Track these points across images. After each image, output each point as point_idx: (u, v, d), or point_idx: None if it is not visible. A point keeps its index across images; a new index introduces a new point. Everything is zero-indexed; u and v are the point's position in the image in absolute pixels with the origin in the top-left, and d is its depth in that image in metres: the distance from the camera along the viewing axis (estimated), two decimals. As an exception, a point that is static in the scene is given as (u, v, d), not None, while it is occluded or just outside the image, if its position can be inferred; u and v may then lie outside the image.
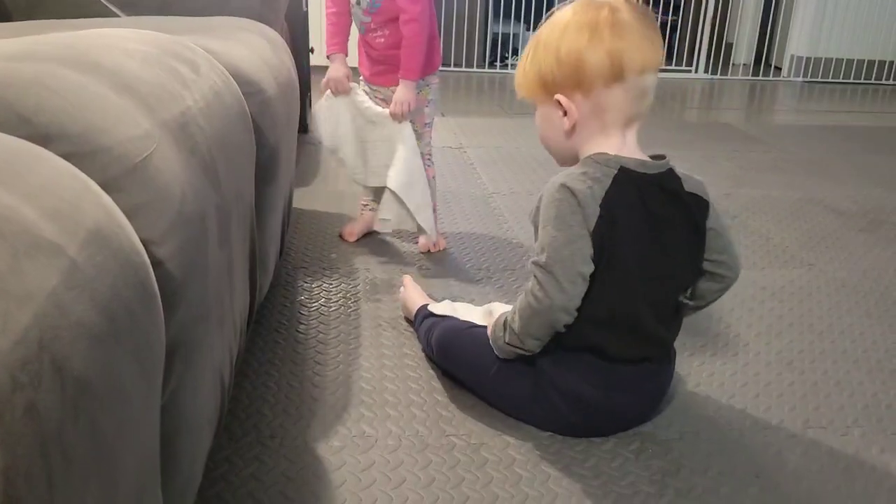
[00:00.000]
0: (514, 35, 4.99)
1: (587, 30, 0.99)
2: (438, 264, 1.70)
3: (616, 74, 0.98)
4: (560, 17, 1.03)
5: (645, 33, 0.99)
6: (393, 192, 1.63)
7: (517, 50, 4.98)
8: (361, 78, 1.76)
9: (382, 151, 1.69)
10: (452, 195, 2.18)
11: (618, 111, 1.01)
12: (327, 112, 1.73)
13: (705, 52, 5.02)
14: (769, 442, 1.08)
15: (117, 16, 1.57)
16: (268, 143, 1.21)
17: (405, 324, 1.39)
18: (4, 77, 0.63)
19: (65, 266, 0.43)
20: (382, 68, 1.70)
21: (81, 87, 0.67)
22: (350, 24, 1.71)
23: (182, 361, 0.69)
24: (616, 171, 1.00)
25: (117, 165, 0.62)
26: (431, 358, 1.24)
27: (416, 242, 1.79)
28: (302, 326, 1.37)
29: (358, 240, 1.81)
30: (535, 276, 1.00)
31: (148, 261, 0.56)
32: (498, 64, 4.92)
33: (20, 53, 0.71)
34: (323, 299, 1.49)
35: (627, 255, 1.00)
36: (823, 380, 1.26)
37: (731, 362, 1.31)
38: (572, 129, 1.04)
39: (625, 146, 1.03)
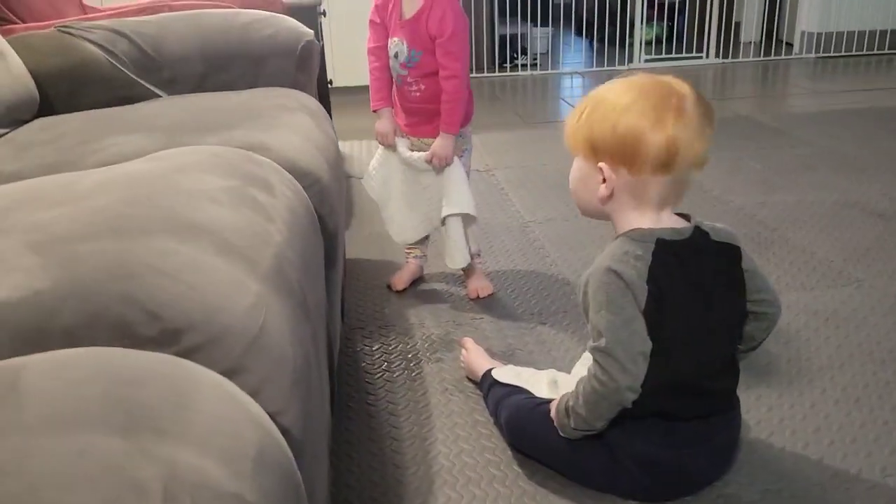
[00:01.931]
0: (521, 35, 4.97)
1: (652, 114, 1.00)
2: (490, 312, 1.71)
3: (667, 164, 1.01)
4: (626, 90, 1.03)
5: (704, 129, 1.01)
6: (448, 223, 1.70)
7: (525, 49, 4.97)
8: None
9: (434, 193, 1.72)
10: (489, 227, 2.19)
11: (656, 195, 1.04)
12: (378, 167, 1.77)
13: (715, 34, 4.99)
14: (852, 497, 1.10)
15: (159, 96, 1.59)
16: (328, 230, 1.23)
17: (471, 385, 1.41)
18: (120, 265, 0.65)
19: (248, 517, 0.45)
20: (417, 119, 1.71)
21: (192, 262, 0.69)
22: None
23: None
24: (654, 246, 1.02)
25: (240, 345, 0.64)
26: (503, 433, 1.26)
27: (465, 286, 1.81)
28: (371, 397, 1.40)
29: (405, 289, 1.83)
30: (596, 362, 1.03)
31: (291, 456, 0.59)
32: (508, 65, 4.91)
33: (122, 224, 0.73)
34: (385, 363, 1.51)
35: (680, 323, 1.04)
36: (893, 417, 1.27)
37: (798, 404, 1.32)
38: (608, 198, 1.06)
39: (659, 220, 1.06)
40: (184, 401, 0.50)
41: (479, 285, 1.79)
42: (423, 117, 1.69)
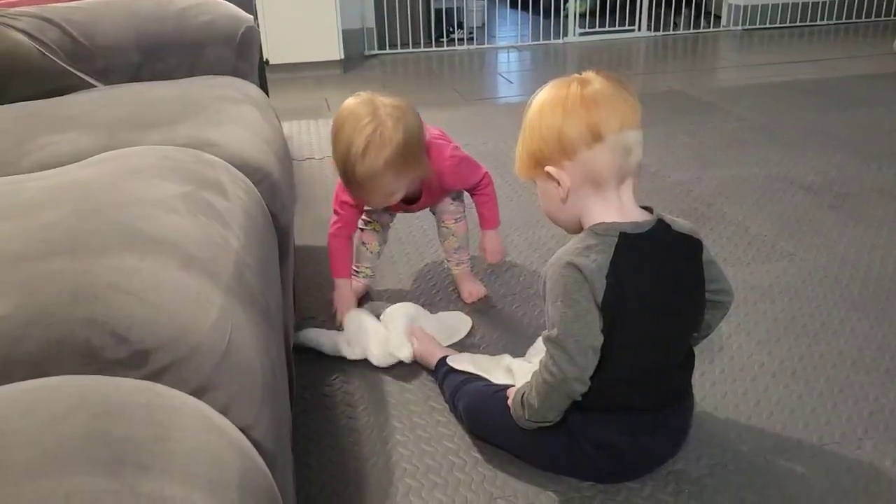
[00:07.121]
0: (457, 9, 4.95)
1: (560, 107, 1.04)
2: (439, 299, 1.73)
3: (596, 136, 1.03)
4: (538, 98, 1.09)
5: (618, 96, 1.04)
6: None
7: (462, 23, 4.95)
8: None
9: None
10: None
11: (608, 170, 1.05)
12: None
13: (647, 7, 5.06)
14: (792, 466, 1.16)
15: (94, 86, 1.54)
16: (280, 226, 1.22)
17: (425, 373, 1.43)
18: (81, 287, 0.64)
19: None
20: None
21: (156, 279, 0.68)
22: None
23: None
24: (617, 240, 1.04)
25: (209, 362, 0.64)
26: (460, 421, 1.28)
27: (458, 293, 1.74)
28: (327, 388, 1.40)
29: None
30: (547, 352, 1.05)
31: (268, 472, 0.59)
32: (444, 40, 4.88)
33: (78, 241, 0.71)
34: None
35: (640, 317, 1.06)
36: (827, 388, 1.34)
37: (739, 379, 1.38)
38: (567, 196, 1.08)
39: (623, 207, 1.07)
40: (163, 431, 0.50)
41: (473, 288, 1.72)
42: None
